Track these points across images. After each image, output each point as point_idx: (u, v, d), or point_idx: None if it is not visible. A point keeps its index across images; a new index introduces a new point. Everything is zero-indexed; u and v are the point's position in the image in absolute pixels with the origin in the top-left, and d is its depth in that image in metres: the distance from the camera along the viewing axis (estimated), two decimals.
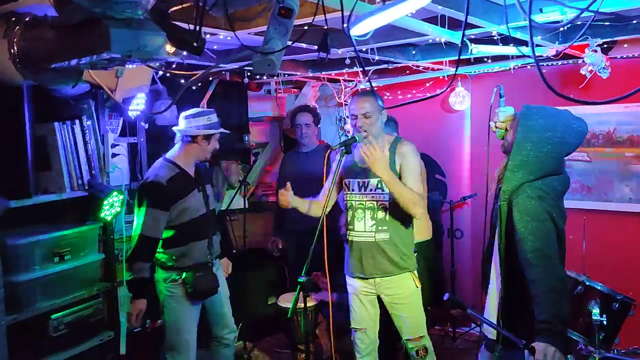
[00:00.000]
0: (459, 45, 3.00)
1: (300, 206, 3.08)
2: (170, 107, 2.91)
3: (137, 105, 3.26)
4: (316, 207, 3.09)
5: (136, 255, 2.98)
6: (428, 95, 4.81)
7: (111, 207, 3.11)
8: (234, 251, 4.05)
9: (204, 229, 3.19)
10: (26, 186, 2.84)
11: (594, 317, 2.93)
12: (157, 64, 2.34)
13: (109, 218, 3.12)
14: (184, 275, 3.10)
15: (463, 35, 1.27)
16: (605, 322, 2.92)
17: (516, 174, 2.19)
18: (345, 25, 1.50)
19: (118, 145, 3.36)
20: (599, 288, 3.10)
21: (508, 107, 2.36)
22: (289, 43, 1.60)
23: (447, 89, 1.52)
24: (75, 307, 3.10)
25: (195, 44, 1.45)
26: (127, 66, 2.34)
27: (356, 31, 1.69)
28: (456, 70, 1.44)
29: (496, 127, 2.35)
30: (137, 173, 3.55)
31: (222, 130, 3.22)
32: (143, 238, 2.97)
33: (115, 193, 3.09)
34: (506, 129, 2.34)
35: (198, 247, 3.15)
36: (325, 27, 1.61)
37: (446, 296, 1.98)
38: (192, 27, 1.57)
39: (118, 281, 3.39)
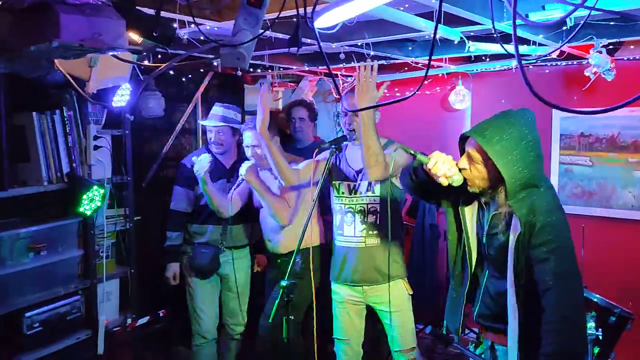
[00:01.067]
0: (455, 42, 2.87)
1: (275, 153, 2.86)
2: (143, 95, 2.81)
3: (122, 97, 3.14)
4: (291, 175, 2.92)
5: (166, 226, 3.52)
6: (427, 93, 4.69)
7: (91, 201, 2.99)
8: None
9: (220, 216, 3.43)
10: (0, 178, 2.72)
11: (589, 331, 2.81)
12: (135, 56, 2.21)
13: (88, 213, 3.00)
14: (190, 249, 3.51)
15: (436, 27, 1.15)
16: (601, 337, 2.81)
17: (521, 193, 1.93)
18: (307, 17, 1.36)
19: (101, 137, 3.24)
20: (595, 300, 2.99)
21: (446, 157, 2.00)
22: (261, 32, 1.47)
23: (415, 92, 1.39)
24: (51, 304, 2.99)
25: (154, 33, 1.33)
26: (101, 56, 2.22)
27: (322, 23, 1.56)
28: (427, 71, 1.31)
29: (448, 178, 1.98)
30: (122, 166, 3.43)
31: (204, 122, 3.58)
32: (170, 211, 3.50)
33: (95, 187, 2.97)
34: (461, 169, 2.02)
35: (211, 230, 3.46)
36: (298, 19, 1.47)
37: (429, 329, 1.81)
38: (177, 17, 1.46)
39: (98, 278, 3.28)
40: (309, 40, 3.06)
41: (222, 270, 3.52)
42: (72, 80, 1.71)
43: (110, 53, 1.51)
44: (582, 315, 1.84)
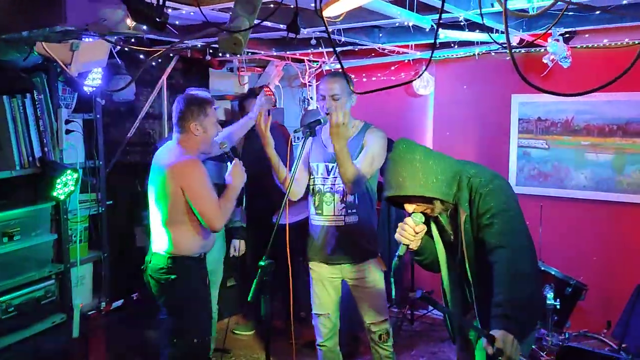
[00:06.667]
0: (427, 29, 2.99)
1: (277, 163, 2.95)
2: (130, 84, 2.79)
3: (94, 80, 3.12)
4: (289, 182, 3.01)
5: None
6: (393, 78, 4.80)
7: (64, 185, 2.98)
8: None
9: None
10: None
11: (547, 302, 3.02)
12: (115, 39, 2.22)
13: (62, 197, 2.99)
14: None
15: (440, 20, 1.24)
16: (558, 307, 3.03)
17: (454, 189, 2.07)
18: (315, 6, 1.43)
19: (73, 121, 3.21)
20: (553, 273, 3.21)
21: (414, 216, 2.11)
22: (257, 22, 1.54)
23: (424, 71, 1.49)
24: (26, 288, 2.98)
25: (157, 19, 1.37)
26: (83, 40, 2.22)
27: (330, 12, 1.63)
28: (431, 56, 1.41)
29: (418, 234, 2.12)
30: (93, 151, 3.41)
31: None
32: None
33: (69, 171, 2.97)
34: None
35: None
36: (297, 7, 1.54)
37: (419, 293, 1.82)
38: (155, 1, 1.50)
39: (71, 262, 3.27)
40: (281, 26, 3.11)
41: None
42: (62, 64, 1.72)
43: (110, 38, 1.54)
44: (529, 266, 1.94)
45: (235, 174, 2.84)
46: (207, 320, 2.95)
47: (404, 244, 2.11)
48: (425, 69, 1.54)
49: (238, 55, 4.64)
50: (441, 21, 3.13)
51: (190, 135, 2.79)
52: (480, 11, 1.40)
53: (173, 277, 2.76)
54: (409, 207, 2.08)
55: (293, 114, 5.44)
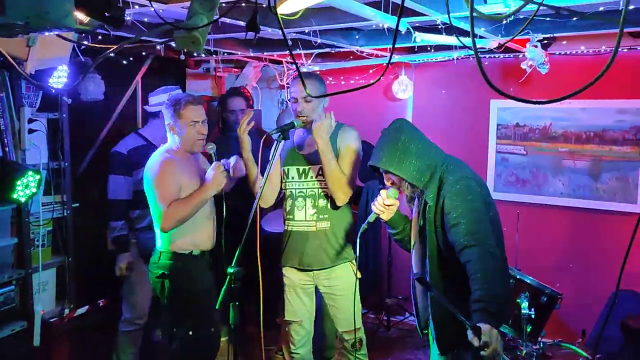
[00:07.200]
0: (395, 30, 2.92)
1: (251, 167, 2.90)
2: (85, 78, 2.70)
3: (59, 79, 3.00)
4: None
5: (109, 217, 3.43)
6: (372, 81, 4.74)
7: (26, 187, 2.85)
8: None
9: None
10: None
11: (522, 311, 2.98)
12: (75, 36, 2.11)
13: (22, 199, 2.86)
14: None
15: (399, 20, 1.18)
16: (533, 316, 2.99)
17: (425, 177, 2.18)
18: (269, 2, 1.36)
19: (36, 120, 3.09)
20: (528, 282, 3.16)
21: (389, 190, 2.33)
22: (216, 18, 1.45)
23: (381, 77, 1.43)
24: None
25: (107, 14, 1.28)
26: (40, 35, 2.12)
27: (285, 9, 1.56)
28: (389, 59, 1.36)
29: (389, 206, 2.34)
30: (58, 151, 3.29)
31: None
32: (110, 201, 3.43)
33: (30, 172, 2.84)
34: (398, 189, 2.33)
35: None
36: (256, 4, 1.46)
37: (415, 275, 2.00)
38: None
39: (33, 267, 3.14)
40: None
41: None
42: (12, 60, 1.62)
43: (56, 33, 1.44)
44: (501, 263, 2.01)
45: (212, 177, 2.80)
46: (202, 313, 2.94)
47: (375, 213, 2.35)
48: (383, 75, 1.49)
49: (214, 56, 4.54)
50: (418, 24, 3.11)
51: (169, 134, 2.90)
52: (448, 13, 1.35)
53: (160, 272, 2.84)
54: (387, 181, 2.30)
55: (271, 115, 5.35)
